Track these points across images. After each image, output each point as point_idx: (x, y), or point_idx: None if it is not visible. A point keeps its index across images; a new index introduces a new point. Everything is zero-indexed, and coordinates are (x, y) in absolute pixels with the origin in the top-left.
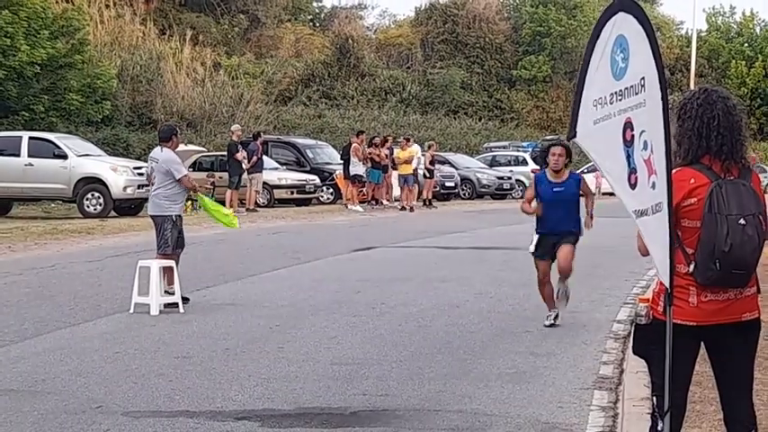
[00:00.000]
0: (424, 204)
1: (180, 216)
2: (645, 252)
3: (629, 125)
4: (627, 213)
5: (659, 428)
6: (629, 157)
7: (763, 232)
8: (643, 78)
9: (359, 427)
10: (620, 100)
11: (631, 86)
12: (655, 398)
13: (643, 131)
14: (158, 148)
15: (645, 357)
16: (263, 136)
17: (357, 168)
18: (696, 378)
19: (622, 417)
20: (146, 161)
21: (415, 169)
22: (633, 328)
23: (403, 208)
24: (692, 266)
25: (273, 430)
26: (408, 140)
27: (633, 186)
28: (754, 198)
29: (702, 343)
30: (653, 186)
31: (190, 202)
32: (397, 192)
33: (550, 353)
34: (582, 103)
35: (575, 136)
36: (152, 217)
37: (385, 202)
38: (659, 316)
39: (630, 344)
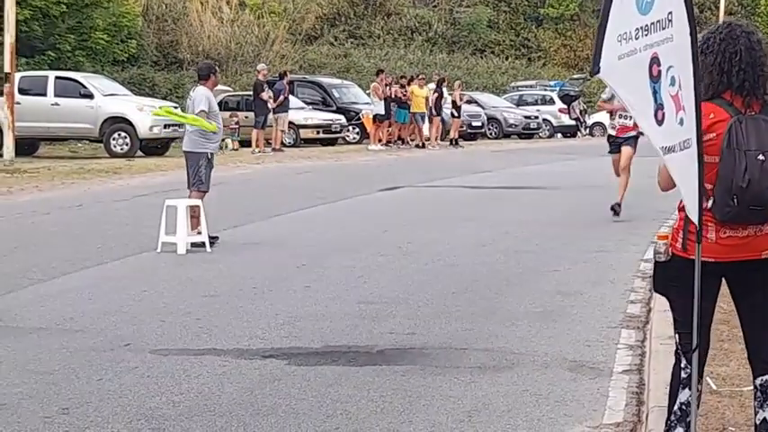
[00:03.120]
0: (451, 144)
1: (214, 154)
2: (665, 187)
3: (655, 60)
4: (654, 152)
5: (682, 365)
6: (655, 92)
7: None
8: (671, 13)
9: (385, 365)
10: (647, 35)
11: (658, 21)
12: (677, 335)
13: (670, 67)
14: (195, 85)
15: (665, 294)
16: (289, 75)
17: (377, 108)
18: (724, 317)
19: (650, 355)
20: (171, 101)
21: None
22: (653, 265)
23: (417, 145)
24: (710, 202)
25: (300, 368)
26: (444, 80)
27: (660, 123)
28: None
29: (725, 281)
30: (680, 123)
31: (223, 141)
32: (426, 132)
33: (578, 292)
34: (605, 38)
35: (598, 71)
36: (186, 153)
37: (411, 141)
38: (678, 252)
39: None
